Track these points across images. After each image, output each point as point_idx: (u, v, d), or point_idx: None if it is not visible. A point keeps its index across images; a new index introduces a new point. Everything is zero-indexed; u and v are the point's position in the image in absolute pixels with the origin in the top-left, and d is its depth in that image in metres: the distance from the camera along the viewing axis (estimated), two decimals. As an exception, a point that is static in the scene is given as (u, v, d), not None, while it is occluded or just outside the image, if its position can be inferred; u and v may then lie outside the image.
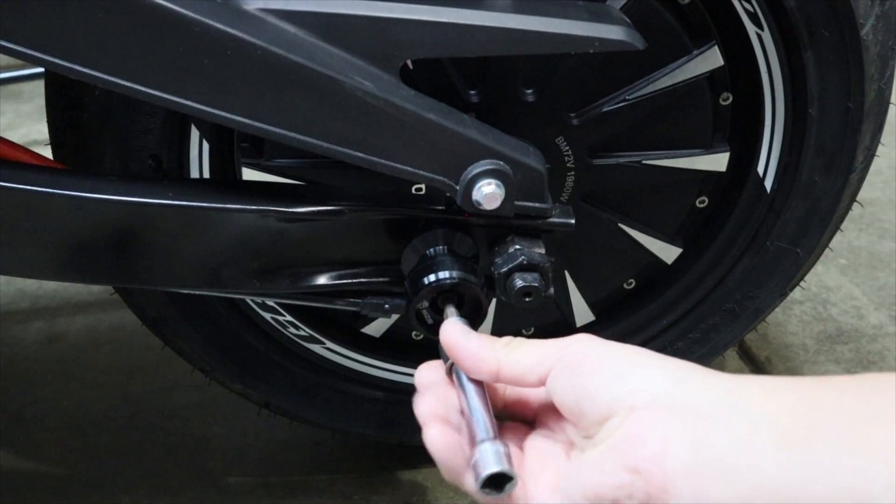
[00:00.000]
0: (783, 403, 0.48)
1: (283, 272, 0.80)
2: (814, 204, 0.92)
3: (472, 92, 0.84)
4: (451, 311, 0.74)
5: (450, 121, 0.71)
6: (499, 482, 0.56)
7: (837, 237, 0.98)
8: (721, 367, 0.87)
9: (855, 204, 0.96)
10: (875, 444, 0.43)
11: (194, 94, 0.66)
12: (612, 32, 0.72)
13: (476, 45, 0.70)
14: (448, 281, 0.75)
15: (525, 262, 0.75)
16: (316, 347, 1.00)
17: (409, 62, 0.79)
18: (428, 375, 0.64)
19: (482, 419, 0.59)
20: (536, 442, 0.60)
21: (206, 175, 0.86)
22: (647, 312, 1.03)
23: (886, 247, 1.55)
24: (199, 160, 0.85)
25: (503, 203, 0.73)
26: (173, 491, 1.12)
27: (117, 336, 1.35)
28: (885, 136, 0.94)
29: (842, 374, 1.18)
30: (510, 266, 0.75)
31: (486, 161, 0.72)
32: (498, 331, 0.99)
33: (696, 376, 0.52)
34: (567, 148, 0.87)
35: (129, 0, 0.62)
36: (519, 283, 0.75)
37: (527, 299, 0.76)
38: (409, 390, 0.65)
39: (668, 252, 0.99)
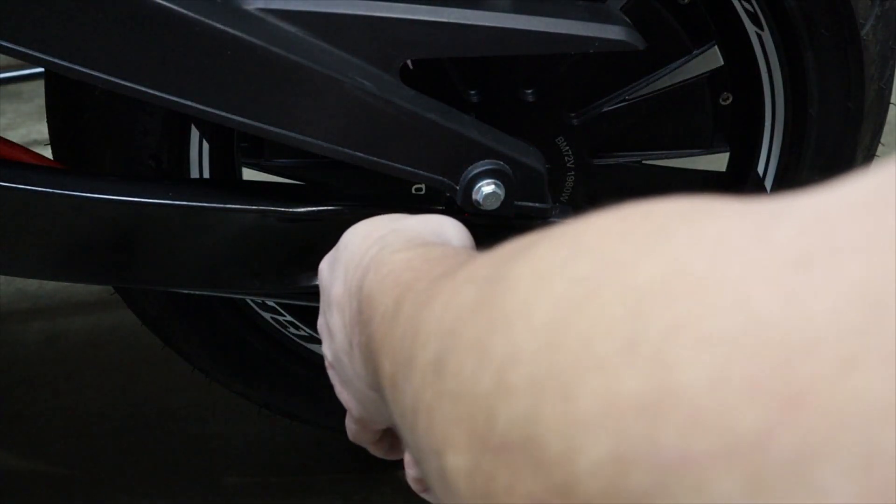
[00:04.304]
0: None
1: (283, 272, 0.79)
2: (814, 204, 0.92)
3: (472, 92, 0.83)
4: None
5: (450, 121, 0.71)
6: None
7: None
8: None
9: (855, 204, 0.96)
10: None
11: (194, 94, 0.66)
12: (612, 32, 0.72)
13: (476, 45, 0.70)
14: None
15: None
16: (316, 347, 1.00)
17: (409, 62, 0.79)
18: None
19: None
20: None
21: (206, 175, 0.86)
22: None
23: (886, 247, 1.55)
24: (199, 160, 0.85)
25: (503, 203, 0.73)
26: (173, 491, 1.12)
27: (117, 336, 1.35)
28: (885, 136, 0.94)
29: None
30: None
31: (486, 161, 0.72)
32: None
33: None
34: (567, 148, 0.87)
35: (129, 0, 0.62)
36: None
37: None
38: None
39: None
